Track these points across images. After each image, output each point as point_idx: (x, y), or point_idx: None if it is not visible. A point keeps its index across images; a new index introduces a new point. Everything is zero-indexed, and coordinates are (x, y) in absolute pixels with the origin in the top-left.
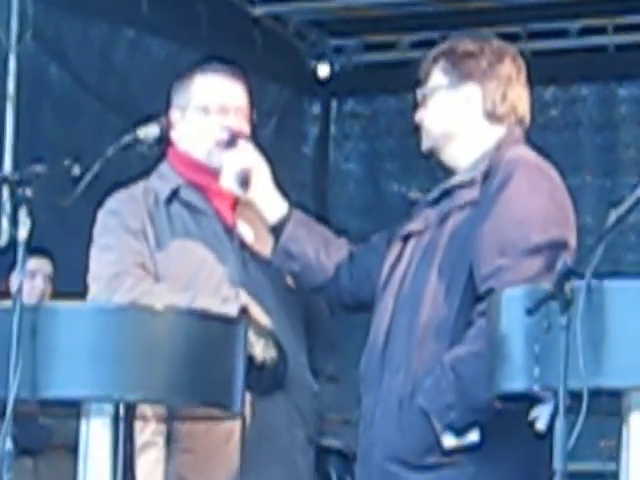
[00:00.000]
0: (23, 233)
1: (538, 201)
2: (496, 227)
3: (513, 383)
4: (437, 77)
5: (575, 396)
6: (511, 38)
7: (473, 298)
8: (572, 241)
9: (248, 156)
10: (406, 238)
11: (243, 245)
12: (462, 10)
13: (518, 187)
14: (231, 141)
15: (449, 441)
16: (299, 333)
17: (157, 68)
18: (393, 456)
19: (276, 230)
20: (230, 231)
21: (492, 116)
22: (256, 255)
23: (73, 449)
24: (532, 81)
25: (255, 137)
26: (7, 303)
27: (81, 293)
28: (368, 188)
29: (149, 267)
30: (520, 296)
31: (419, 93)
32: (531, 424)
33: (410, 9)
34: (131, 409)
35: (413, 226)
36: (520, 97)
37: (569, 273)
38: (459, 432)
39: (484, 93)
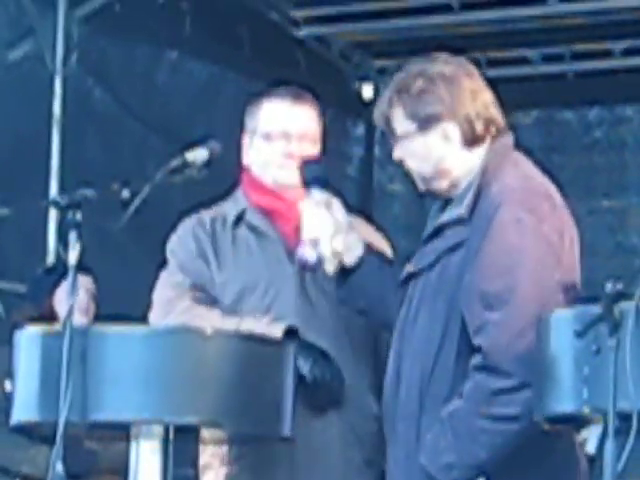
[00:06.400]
0: (73, 257)
1: (523, 243)
2: (480, 278)
3: (562, 405)
4: (403, 123)
5: (624, 418)
6: (555, 59)
7: (471, 345)
8: (567, 276)
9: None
10: (406, 280)
11: (304, 267)
12: (506, 31)
13: (501, 232)
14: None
15: None
16: (362, 355)
17: (200, 90)
18: None
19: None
20: (292, 254)
21: (472, 141)
22: (320, 278)
23: (117, 473)
24: (576, 102)
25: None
26: (57, 327)
27: (125, 316)
28: (413, 209)
29: (209, 290)
30: (569, 318)
31: (389, 137)
32: (549, 454)
33: (450, 31)
34: (194, 432)
35: (409, 267)
36: (487, 103)
37: (618, 295)
38: None
39: (459, 124)
